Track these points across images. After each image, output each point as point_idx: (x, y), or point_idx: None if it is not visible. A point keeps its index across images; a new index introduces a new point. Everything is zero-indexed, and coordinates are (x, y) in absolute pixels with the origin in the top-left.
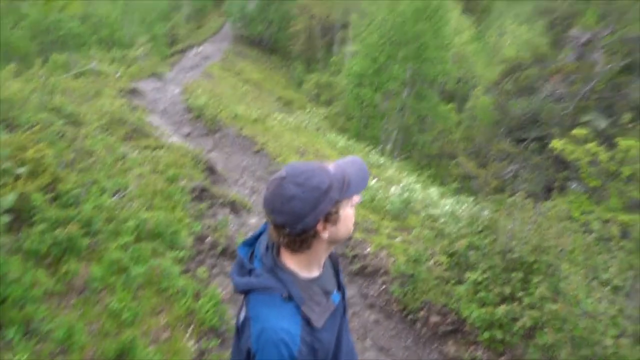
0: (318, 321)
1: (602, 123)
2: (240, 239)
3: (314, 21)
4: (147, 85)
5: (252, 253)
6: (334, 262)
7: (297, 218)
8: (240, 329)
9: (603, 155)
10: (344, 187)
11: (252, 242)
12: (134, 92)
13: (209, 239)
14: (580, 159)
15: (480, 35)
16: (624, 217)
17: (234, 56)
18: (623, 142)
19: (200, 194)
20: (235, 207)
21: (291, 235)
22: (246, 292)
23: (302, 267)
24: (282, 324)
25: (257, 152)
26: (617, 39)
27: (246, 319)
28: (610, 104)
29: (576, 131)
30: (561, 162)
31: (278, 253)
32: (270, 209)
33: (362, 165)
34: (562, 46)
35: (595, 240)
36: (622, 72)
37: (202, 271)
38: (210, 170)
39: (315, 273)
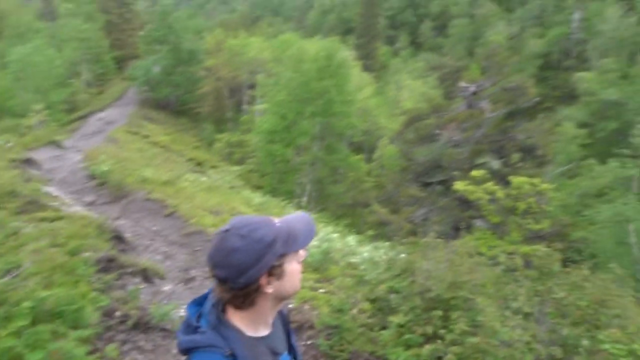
0: None
1: (495, 164)
2: (153, 309)
3: (221, 82)
4: (43, 154)
5: (200, 312)
6: (284, 322)
7: (239, 271)
8: None
9: (500, 193)
10: (290, 241)
11: (201, 301)
12: (28, 162)
13: (118, 313)
14: (481, 198)
15: (381, 90)
16: (525, 249)
17: (140, 119)
18: (515, 180)
19: (107, 264)
20: (146, 276)
21: (234, 290)
22: (189, 351)
23: (248, 325)
24: None
25: (169, 215)
26: (499, 89)
27: None
28: (501, 147)
29: (474, 173)
30: (465, 202)
31: (224, 310)
32: (213, 263)
33: (309, 221)
34: (454, 97)
35: (503, 271)
36: (507, 118)
37: (111, 349)
38: (118, 238)
39: (262, 332)
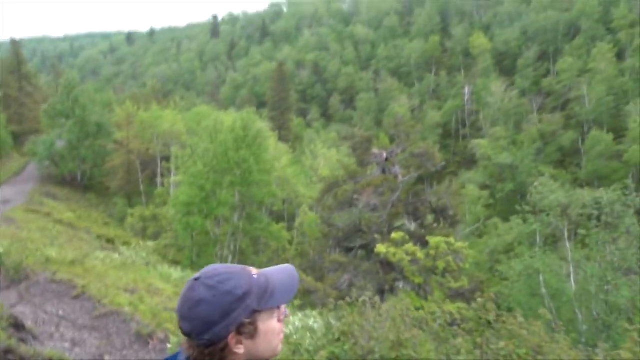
0: None
1: (412, 226)
2: None
3: (132, 155)
4: None
5: None
6: None
7: (204, 326)
8: None
9: (419, 253)
10: (266, 296)
11: None
12: None
13: None
14: (402, 259)
15: (297, 159)
16: (449, 307)
17: (42, 197)
18: (432, 240)
19: (4, 357)
20: None
21: (200, 347)
22: None
23: None
24: None
25: (78, 296)
26: (408, 155)
27: None
28: (415, 209)
29: (394, 235)
30: (387, 265)
31: None
32: (179, 314)
33: (293, 274)
34: (367, 164)
35: (441, 327)
36: (418, 182)
37: None
38: (16, 327)
39: None
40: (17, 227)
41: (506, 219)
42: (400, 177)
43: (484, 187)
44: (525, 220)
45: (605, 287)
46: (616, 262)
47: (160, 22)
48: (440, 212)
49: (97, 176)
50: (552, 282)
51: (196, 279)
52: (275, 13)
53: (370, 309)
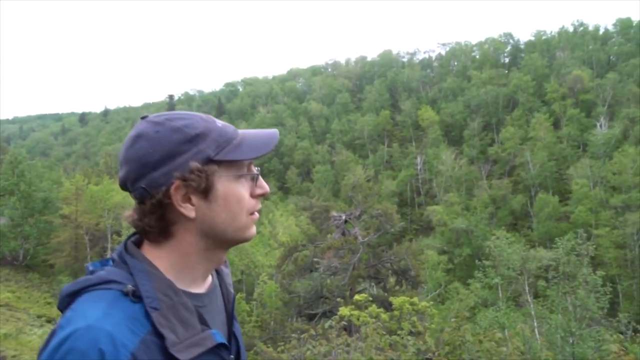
0: (179, 348)
1: (374, 289)
2: None
3: (81, 230)
4: None
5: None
6: (225, 298)
7: (140, 168)
8: None
9: (384, 315)
10: (229, 146)
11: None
12: None
13: None
14: (366, 322)
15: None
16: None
17: None
18: (396, 300)
19: None
20: None
21: (137, 202)
22: (72, 296)
23: (169, 271)
24: (105, 325)
25: None
26: (367, 216)
27: (51, 333)
28: (377, 271)
29: (357, 297)
30: (351, 330)
31: (138, 246)
32: (119, 162)
33: (272, 132)
34: (328, 227)
35: None
36: (378, 244)
37: None
38: None
39: (191, 288)
40: None
41: (466, 284)
42: (360, 239)
43: (442, 252)
44: (485, 275)
45: (570, 339)
46: (578, 312)
47: (114, 102)
48: (401, 274)
49: (40, 254)
50: (523, 348)
51: (142, 117)
52: (230, 92)
53: None
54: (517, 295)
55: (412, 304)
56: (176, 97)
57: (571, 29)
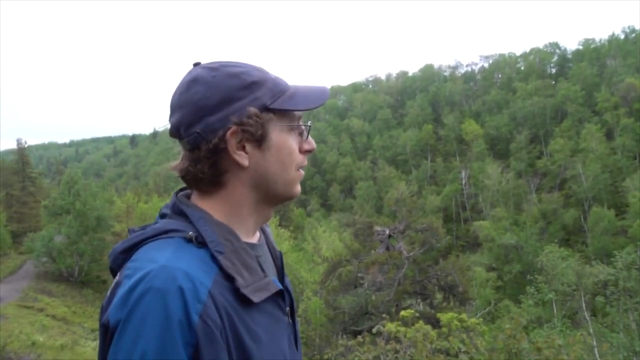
0: (249, 290)
1: (420, 305)
2: None
3: None
4: None
5: None
6: (273, 255)
7: (196, 113)
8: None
9: (432, 332)
10: (284, 96)
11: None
12: None
13: None
14: (414, 338)
15: (299, 247)
16: None
17: (36, 293)
18: (444, 317)
19: None
20: None
21: (191, 151)
22: (129, 251)
23: (224, 220)
24: (180, 264)
25: None
26: (412, 230)
27: (115, 286)
28: (423, 287)
29: (403, 313)
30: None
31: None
32: (170, 109)
33: (323, 87)
34: (371, 243)
35: None
36: (424, 258)
37: None
38: None
39: (244, 238)
40: (8, 323)
41: (517, 301)
42: (405, 253)
43: (490, 269)
44: (538, 291)
45: (634, 359)
46: None
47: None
48: (449, 290)
49: (94, 270)
50: (585, 356)
51: (196, 64)
52: None
53: None
54: (574, 313)
55: (460, 320)
56: None
57: (622, 36)
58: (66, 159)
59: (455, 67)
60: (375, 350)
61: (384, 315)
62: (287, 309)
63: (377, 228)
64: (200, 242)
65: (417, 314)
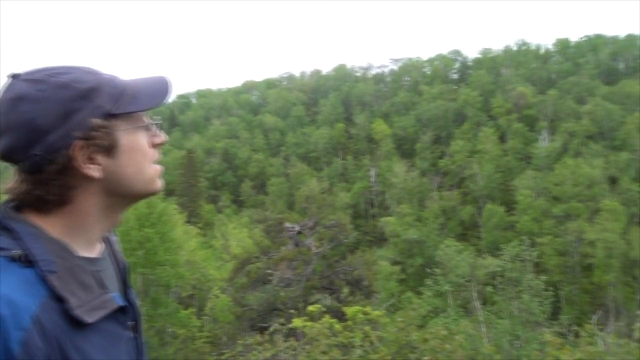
0: (83, 310)
1: (328, 300)
2: None
3: None
4: None
5: None
6: (117, 266)
7: (31, 133)
8: None
9: (337, 326)
10: (125, 98)
11: None
12: None
13: None
14: (320, 333)
15: (208, 244)
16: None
17: None
18: (349, 310)
19: None
20: None
21: (27, 174)
22: None
23: (62, 234)
24: (1, 288)
25: None
26: (321, 227)
27: None
28: (331, 282)
29: (310, 308)
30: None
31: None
32: None
33: (161, 77)
34: (281, 239)
35: None
36: (332, 254)
37: None
38: None
39: (84, 252)
40: None
41: (419, 293)
42: (314, 249)
43: (395, 263)
44: (436, 283)
45: (516, 343)
46: (523, 317)
47: None
48: (355, 284)
49: None
50: (466, 344)
51: (14, 76)
52: (183, 104)
53: None
54: (467, 303)
55: (364, 313)
56: None
57: (515, 48)
58: None
59: (367, 68)
60: (273, 348)
61: (291, 311)
62: (131, 322)
63: (287, 224)
64: (28, 262)
65: (324, 309)
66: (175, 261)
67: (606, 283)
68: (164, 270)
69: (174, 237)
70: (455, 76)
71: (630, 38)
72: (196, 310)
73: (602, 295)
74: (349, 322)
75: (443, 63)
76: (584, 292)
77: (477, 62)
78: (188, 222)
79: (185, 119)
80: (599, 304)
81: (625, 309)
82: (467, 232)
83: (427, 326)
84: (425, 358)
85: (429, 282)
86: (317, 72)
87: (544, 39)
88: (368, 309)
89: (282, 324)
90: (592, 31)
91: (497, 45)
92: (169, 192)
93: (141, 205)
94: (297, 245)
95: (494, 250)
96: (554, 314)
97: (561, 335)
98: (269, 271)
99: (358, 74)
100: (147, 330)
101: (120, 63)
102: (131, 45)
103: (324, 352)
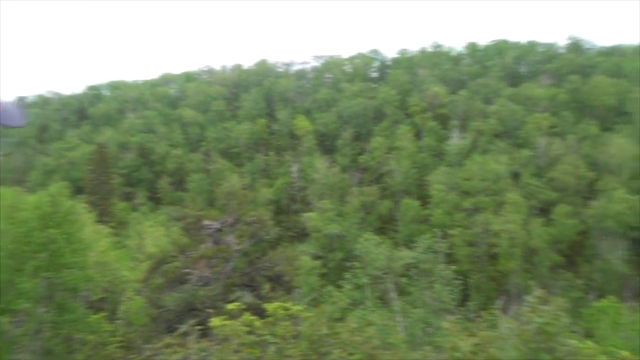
0: None
1: (249, 297)
2: None
3: None
4: None
5: None
6: None
7: None
8: None
9: (257, 323)
10: None
11: None
12: None
13: None
14: (238, 332)
15: (121, 244)
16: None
17: None
18: (269, 306)
19: None
20: None
21: None
22: None
23: None
24: None
25: None
26: (242, 224)
27: None
28: (251, 279)
29: (229, 306)
30: (225, 340)
31: None
32: None
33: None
34: (201, 237)
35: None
36: (253, 251)
37: None
38: None
39: None
40: None
41: (339, 287)
42: (234, 246)
43: (317, 257)
44: (355, 276)
45: (428, 330)
46: (436, 305)
47: None
48: (276, 280)
49: None
50: (377, 335)
51: None
52: (94, 95)
53: None
54: (384, 294)
55: (285, 308)
56: (28, 99)
57: (430, 49)
58: None
59: (289, 65)
60: (182, 350)
61: (210, 310)
62: None
63: (207, 222)
64: None
65: (244, 306)
66: (84, 263)
67: (509, 270)
68: (70, 273)
69: (82, 238)
70: (375, 75)
71: (531, 44)
72: (108, 314)
73: (506, 282)
74: (270, 319)
75: (363, 62)
76: (490, 279)
77: (395, 62)
78: (99, 221)
79: (96, 111)
80: (503, 290)
81: (526, 294)
82: (385, 226)
83: (346, 319)
84: (336, 351)
85: (348, 275)
86: (238, 67)
87: (456, 41)
88: (289, 304)
89: (194, 325)
90: (499, 36)
91: (413, 46)
92: (77, 190)
93: (45, 204)
94: (216, 242)
95: (410, 242)
96: (463, 301)
97: (468, 320)
98: (186, 270)
99: (280, 70)
100: (53, 338)
101: (29, 51)
102: (37, 33)
103: (236, 352)
